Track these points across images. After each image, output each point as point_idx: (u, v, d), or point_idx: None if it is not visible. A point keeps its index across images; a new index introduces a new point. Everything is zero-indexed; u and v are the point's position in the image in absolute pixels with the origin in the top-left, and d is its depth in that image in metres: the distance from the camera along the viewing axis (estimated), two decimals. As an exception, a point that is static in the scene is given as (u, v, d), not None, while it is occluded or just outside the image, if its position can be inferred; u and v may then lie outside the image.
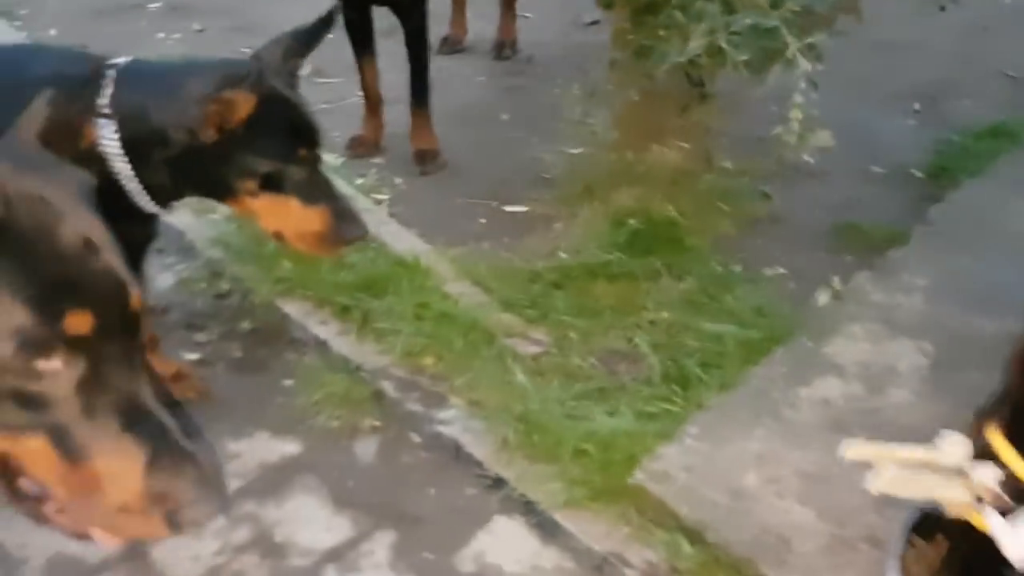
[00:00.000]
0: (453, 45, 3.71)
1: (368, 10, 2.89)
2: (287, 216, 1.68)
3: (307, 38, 1.73)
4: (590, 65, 2.90)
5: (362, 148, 3.10)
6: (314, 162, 1.68)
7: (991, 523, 1.32)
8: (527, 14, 3.82)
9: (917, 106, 3.22)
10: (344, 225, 1.72)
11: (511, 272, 2.47)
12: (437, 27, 3.62)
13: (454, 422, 2.10)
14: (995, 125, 2.98)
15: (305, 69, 1.80)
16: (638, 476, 1.94)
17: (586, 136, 2.88)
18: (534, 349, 2.29)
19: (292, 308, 2.41)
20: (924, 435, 1.70)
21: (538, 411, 2.06)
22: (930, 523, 1.54)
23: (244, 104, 1.54)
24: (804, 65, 1.70)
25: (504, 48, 3.69)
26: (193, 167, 1.63)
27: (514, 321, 2.36)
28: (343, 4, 2.86)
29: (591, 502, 1.92)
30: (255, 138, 1.58)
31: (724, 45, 1.80)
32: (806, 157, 1.79)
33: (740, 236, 2.55)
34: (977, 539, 1.40)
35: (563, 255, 2.56)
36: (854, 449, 1.52)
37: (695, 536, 1.83)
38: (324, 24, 1.74)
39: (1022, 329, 1.53)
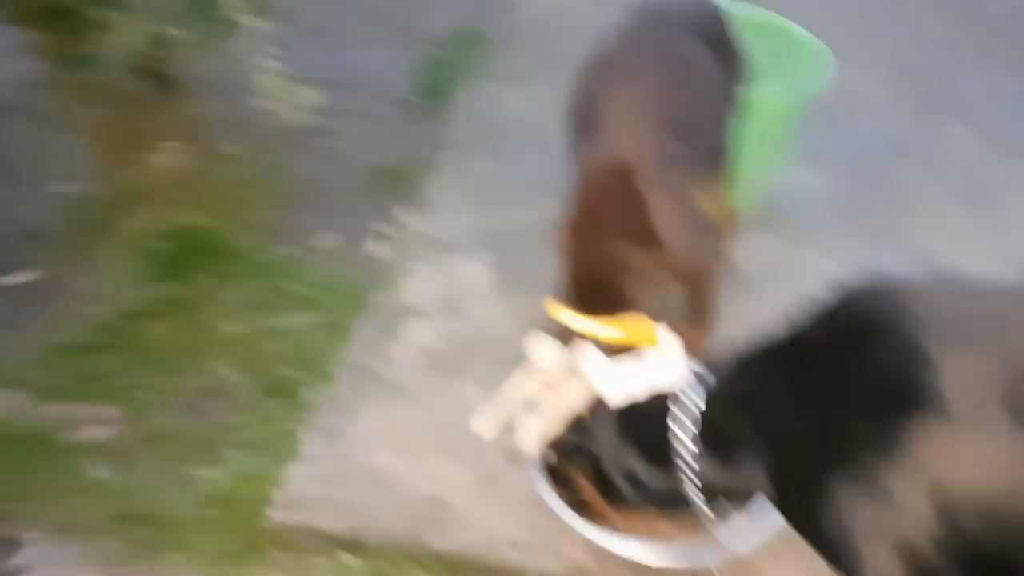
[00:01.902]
0: None
1: None
2: None
3: None
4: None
5: None
6: None
7: (593, 379, 1.38)
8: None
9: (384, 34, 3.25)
10: None
11: (45, 355, 2.07)
12: None
13: (36, 566, 1.72)
14: (462, 32, 3.12)
15: None
16: (272, 516, 1.77)
17: (73, 169, 2.47)
18: (106, 431, 1.95)
19: None
20: (513, 340, 1.76)
21: (140, 502, 1.77)
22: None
23: None
24: (258, 25, 1.53)
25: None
26: None
27: (68, 410, 1.99)
28: None
29: (237, 569, 1.71)
30: None
31: (170, 29, 1.57)
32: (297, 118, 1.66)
33: (282, 217, 2.40)
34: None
35: (100, 311, 2.20)
36: (483, 424, 1.53)
37: (354, 545, 1.72)
38: None
39: (558, 211, 1.61)
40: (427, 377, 1.99)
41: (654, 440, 1.35)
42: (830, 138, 2.48)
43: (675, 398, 1.34)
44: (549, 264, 2.20)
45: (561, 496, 1.60)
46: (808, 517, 1.18)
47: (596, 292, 1.59)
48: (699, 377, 1.34)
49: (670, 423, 1.34)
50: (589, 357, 1.55)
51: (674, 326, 1.63)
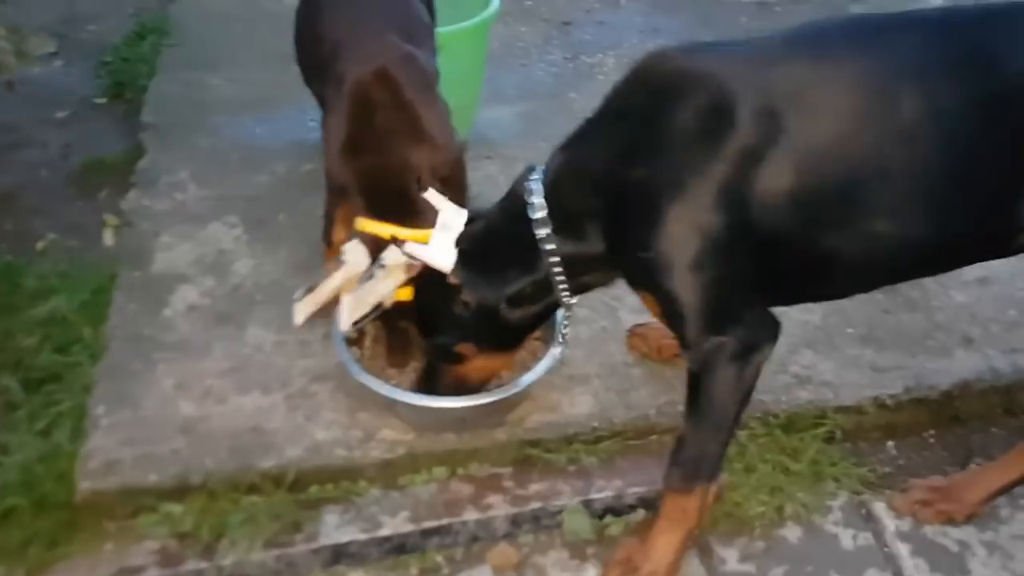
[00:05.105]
0: None
1: None
2: None
3: None
4: None
5: None
6: None
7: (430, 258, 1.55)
8: None
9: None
10: None
11: None
12: None
13: None
14: (142, 29, 3.15)
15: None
16: (83, 487, 1.70)
17: None
18: None
19: None
20: (284, 282, 1.89)
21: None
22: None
23: None
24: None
25: None
26: None
27: None
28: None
29: (55, 551, 1.63)
30: None
31: None
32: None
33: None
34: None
35: None
36: (300, 313, 1.61)
37: (178, 493, 1.72)
38: None
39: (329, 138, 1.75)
40: (209, 330, 2.01)
41: (517, 247, 1.53)
42: (505, 78, 2.83)
43: (527, 204, 1.49)
44: (298, 215, 2.33)
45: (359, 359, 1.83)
46: (637, 255, 1.42)
47: (389, 197, 1.73)
48: (543, 172, 1.52)
49: (531, 219, 1.49)
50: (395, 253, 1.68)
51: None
